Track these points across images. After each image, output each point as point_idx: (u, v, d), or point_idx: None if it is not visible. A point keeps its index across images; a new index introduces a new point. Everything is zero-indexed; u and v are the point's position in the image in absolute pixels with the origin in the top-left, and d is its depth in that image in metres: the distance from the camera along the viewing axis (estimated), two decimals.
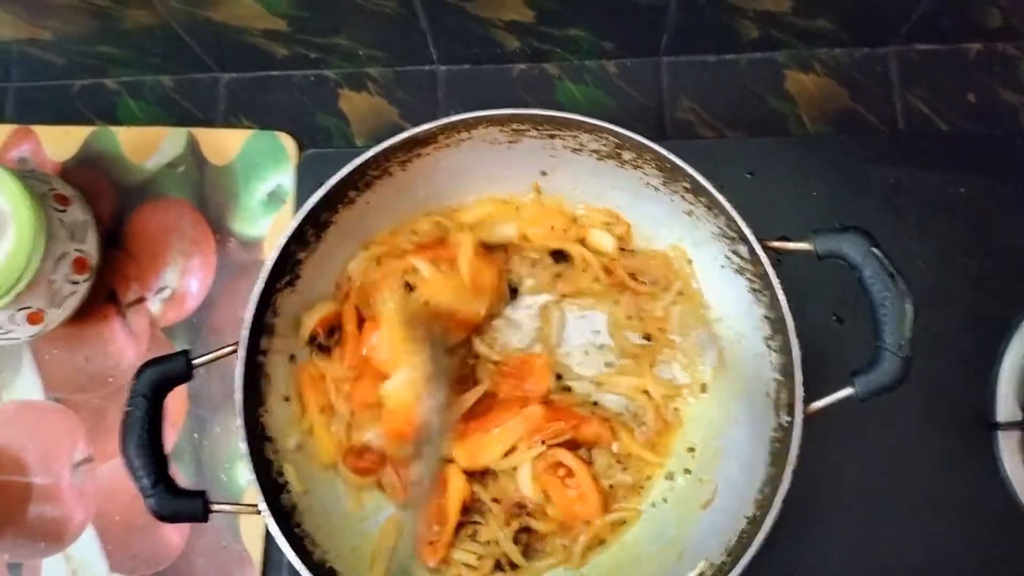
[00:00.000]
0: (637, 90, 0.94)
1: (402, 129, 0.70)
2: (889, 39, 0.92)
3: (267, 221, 0.93)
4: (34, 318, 0.84)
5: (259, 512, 0.65)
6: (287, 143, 0.94)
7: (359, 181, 0.72)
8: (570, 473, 0.76)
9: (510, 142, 0.73)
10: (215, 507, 0.66)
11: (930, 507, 0.79)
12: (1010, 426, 0.78)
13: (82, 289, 0.87)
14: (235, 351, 0.68)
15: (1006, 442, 0.79)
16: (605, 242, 0.78)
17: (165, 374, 0.66)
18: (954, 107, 0.91)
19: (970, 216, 0.84)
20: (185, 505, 0.65)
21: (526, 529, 0.77)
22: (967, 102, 0.91)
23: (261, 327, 0.70)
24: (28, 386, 0.91)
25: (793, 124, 0.92)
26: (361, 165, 0.69)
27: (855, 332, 0.77)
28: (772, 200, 0.77)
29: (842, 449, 0.80)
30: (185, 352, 0.67)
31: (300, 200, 0.92)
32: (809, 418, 0.63)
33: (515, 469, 0.76)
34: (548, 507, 0.76)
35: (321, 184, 0.69)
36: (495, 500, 0.76)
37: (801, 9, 0.86)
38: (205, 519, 0.66)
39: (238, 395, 0.67)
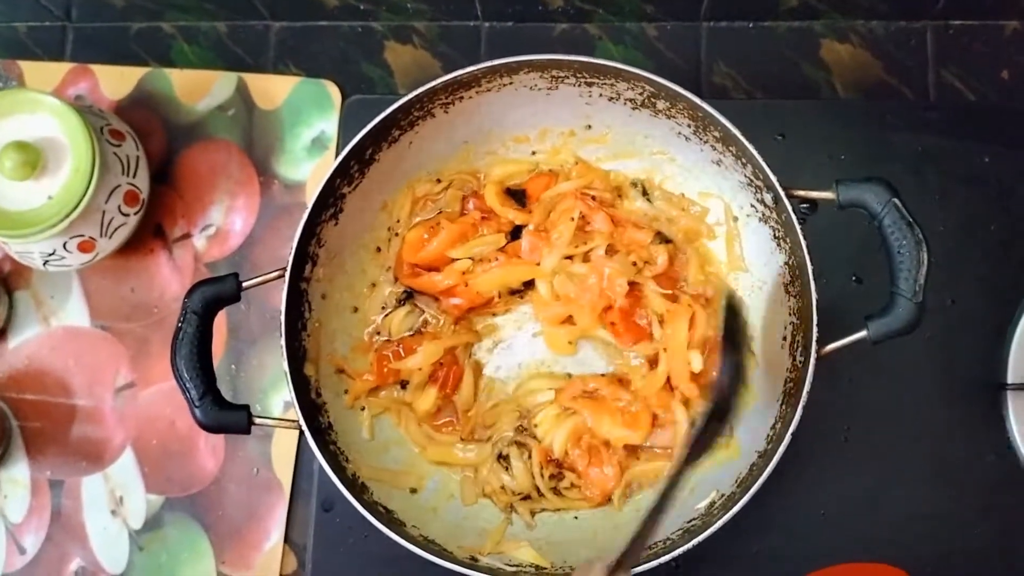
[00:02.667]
0: (675, 53, 0.96)
1: None
2: (926, 13, 0.94)
3: (310, 165, 0.96)
4: (85, 247, 0.88)
5: (297, 427, 0.69)
6: (332, 91, 0.98)
7: (403, 120, 0.75)
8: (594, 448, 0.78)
9: (549, 88, 0.76)
10: (258, 420, 0.69)
11: (935, 463, 0.82)
12: (1020, 387, 0.80)
13: (132, 222, 0.91)
14: (281, 276, 0.71)
15: (1015, 403, 0.81)
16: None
17: (216, 294, 0.70)
18: (987, 83, 0.92)
19: (992, 185, 0.86)
20: (230, 417, 0.69)
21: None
22: (1000, 78, 0.92)
23: (306, 255, 0.74)
24: (76, 313, 0.95)
25: (826, 92, 0.94)
26: (406, 104, 0.72)
27: (872, 291, 0.79)
28: (800, 161, 0.79)
29: (854, 403, 0.83)
30: (235, 275, 0.71)
31: (343, 144, 0.95)
32: (822, 359, 0.65)
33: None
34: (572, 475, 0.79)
35: (365, 127, 0.73)
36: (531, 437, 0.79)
37: None
38: (248, 431, 0.69)
39: (283, 316, 0.70)
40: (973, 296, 0.84)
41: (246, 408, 0.69)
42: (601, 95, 0.76)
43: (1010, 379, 0.81)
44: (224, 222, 0.96)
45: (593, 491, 0.76)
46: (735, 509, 0.65)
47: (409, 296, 0.83)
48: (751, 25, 0.96)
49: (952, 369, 0.83)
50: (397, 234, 0.82)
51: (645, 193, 0.81)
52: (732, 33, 0.96)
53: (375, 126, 0.72)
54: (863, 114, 0.89)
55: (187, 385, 0.68)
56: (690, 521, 0.71)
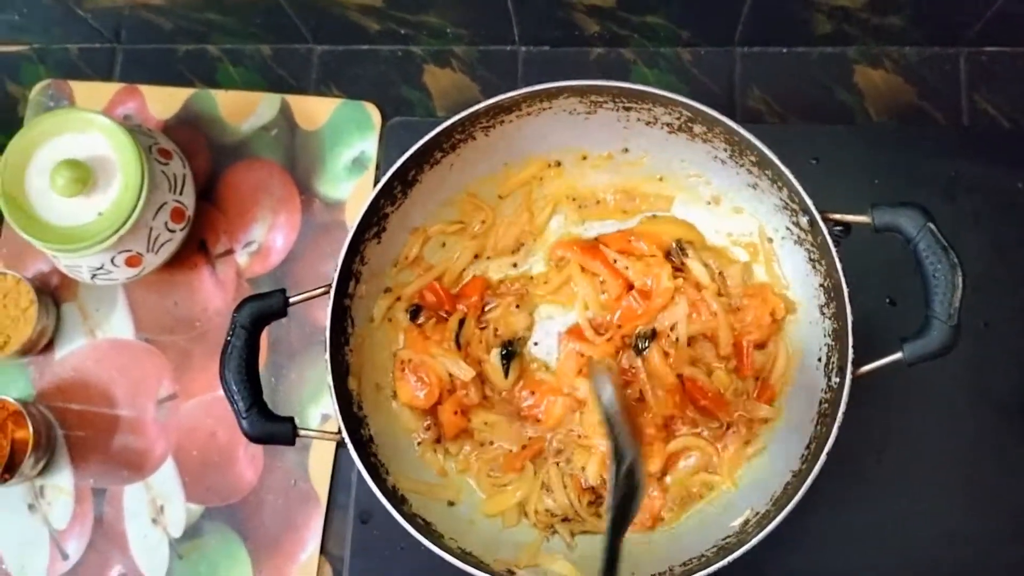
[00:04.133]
0: (709, 77, 0.98)
1: None
2: (959, 40, 0.95)
3: (349, 185, 0.99)
4: (132, 261, 0.91)
5: (341, 439, 0.71)
6: (373, 113, 1.00)
7: (445, 143, 0.77)
8: None
9: (587, 113, 0.78)
10: (302, 432, 0.71)
11: (967, 487, 0.82)
12: None
13: (178, 238, 0.94)
14: (327, 292, 0.73)
15: None
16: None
17: (263, 309, 0.72)
18: (1019, 109, 0.93)
19: None
20: (276, 428, 0.71)
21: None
22: None
23: (350, 272, 0.76)
24: (121, 325, 0.98)
25: (860, 117, 0.95)
26: (448, 127, 0.75)
27: (907, 314, 0.80)
28: (835, 185, 0.80)
29: (887, 425, 0.83)
30: (282, 290, 0.73)
31: (383, 164, 0.97)
32: (857, 380, 0.66)
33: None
34: None
35: (405, 149, 0.75)
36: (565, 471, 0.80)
37: (874, 5, 0.89)
38: (293, 442, 0.71)
39: (328, 332, 0.72)
40: (1006, 320, 0.84)
41: (291, 420, 0.71)
42: (639, 119, 0.78)
43: None
44: (266, 239, 0.98)
45: (643, 516, 0.77)
46: (770, 527, 0.66)
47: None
48: (785, 50, 0.98)
49: (985, 392, 0.84)
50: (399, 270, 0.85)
51: (683, 251, 0.82)
52: (766, 58, 0.98)
53: (419, 148, 0.74)
54: (897, 139, 0.90)
55: (235, 397, 0.70)
56: (725, 539, 0.72)
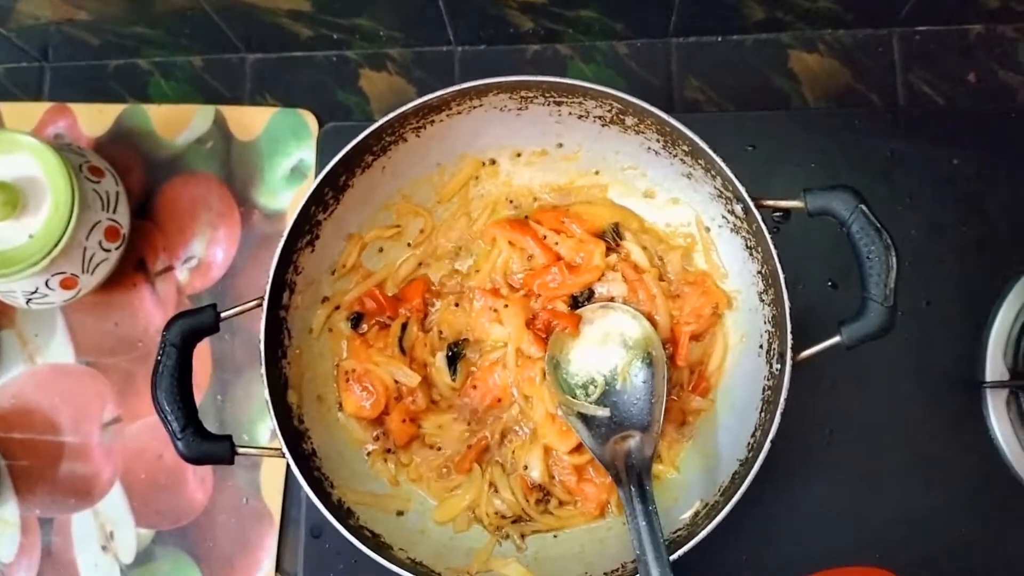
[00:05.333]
0: (646, 70, 0.98)
1: None
2: (891, 20, 0.95)
3: (289, 194, 0.97)
4: (68, 283, 0.89)
5: (281, 455, 0.69)
6: (309, 120, 0.99)
7: (375, 146, 0.76)
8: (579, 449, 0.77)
9: (519, 109, 0.77)
10: (241, 450, 0.70)
11: (918, 463, 0.82)
12: (997, 385, 0.81)
13: (113, 257, 0.91)
14: (259, 305, 0.72)
15: (993, 400, 0.82)
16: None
17: (194, 325, 0.70)
18: (954, 87, 0.94)
19: (962, 187, 0.87)
20: (212, 447, 0.69)
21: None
22: (967, 82, 0.94)
23: (283, 283, 0.74)
24: (60, 349, 0.96)
25: (797, 102, 0.95)
26: (377, 129, 0.73)
27: (848, 296, 0.80)
28: (772, 171, 0.80)
29: (835, 407, 0.83)
30: (213, 305, 0.72)
31: (319, 170, 0.96)
32: (800, 365, 0.66)
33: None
34: (559, 491, 0.79)
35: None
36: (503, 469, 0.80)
37: None
38: (231, 461, 0.70)
39: (262, 346, 0.71)
40: (947, 297, 0.84)
41: (229, 439, 0.70)
42: (571, 113, 0.77)
43: (988, 377, 0.82)
44: (206, 254, 0.96)
45: (588, 505, 0.77)
46: (719, 518, 0.65)
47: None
48: (719, 39, 0.98)
49: (930, 369, 0.84)
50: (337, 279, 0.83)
51: (618, 234, 0.81)
52: (701, 48, 0.98)
53: (347, 152, 0.73)
54: (832, 122, 0.90)
55: (168, 418, 0.68)
56: (676, 532, 0.72)
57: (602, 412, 0.75)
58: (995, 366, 0.81)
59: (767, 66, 0.97)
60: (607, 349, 0.77)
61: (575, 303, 0.79)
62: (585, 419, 0.75)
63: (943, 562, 0.80)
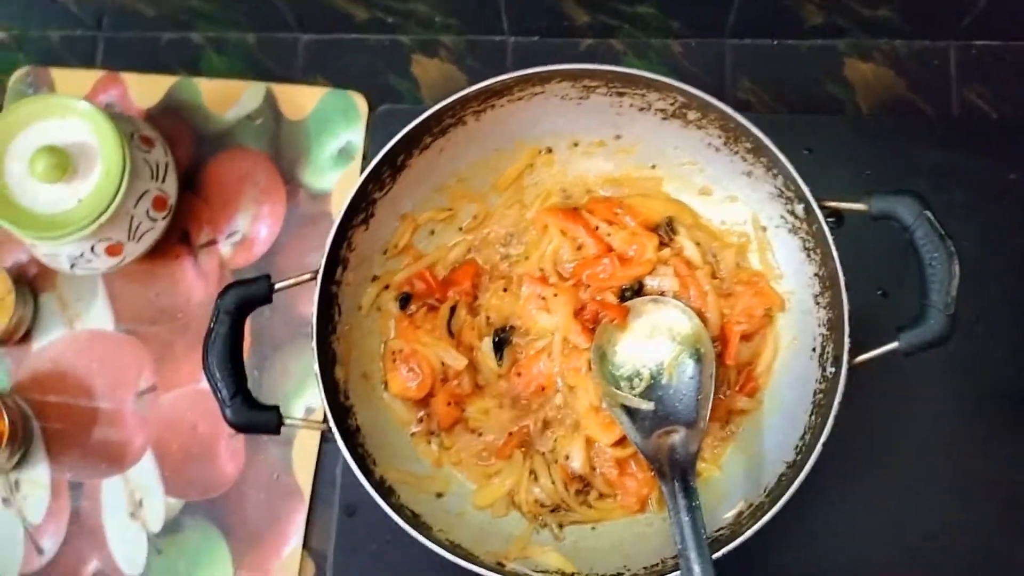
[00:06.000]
0: (700, 69, 0.97)
1: None
2: (949, 33, 0.95)
3: (335, 175, 0.97)
4: (113, 250, 0.89)
5: (327, 429, 0.69)
6: (359, 102, 0.99)
7: (435, 127, 0.76)
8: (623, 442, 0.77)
9: (580, 98, 0.77)
10: (288, 421, 0.70)
11: (961, 478, 0.82)
12: None
13: (159, 227, 0.92)
14: (313, 278, 0.72)
15: None
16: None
17: (248, 295, 0.71)
18: (1010, 102, 0.93)
19: (1017, 202, 0.86)
20: (260, 416, 0.69)
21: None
22: (1022, 98, 0.93)
23: (337, 259, 0.74)
24: (100, 316, 0.96)
25: (850, 110, 0.95)
26: (438, 111, 0.73)
27: (899, 305, 0.79)
28: (827, 175, 0.79)
29: (879, 417, 0.83)
30: (267, 276, 0.72)
31: (371, 153, 0.96)
32: (853, 370, 0.66)
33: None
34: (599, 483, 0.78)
35: (394, 137, 0.73)
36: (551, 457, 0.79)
37: None
38: (278, 431, 0.70)
39: (314, 319, 0.71)
40: (997, 312, 0.84)
41: (276, 409, 0.70)
42: (632, 105, 0.77)
43: None
44: (250, 230, 0.97)
45: (629, 499, 0.76)
46: (765, 519, 0.65)
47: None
48: (775, 43, 0.97)
49: (976, 384, 0.83)
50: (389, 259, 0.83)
51: (672, 228, 0.81)
52: (756, 50, 0.97)
53: (408, 132, 0.73)
54: (888, 131, 0.90)
55: (219, 384, 0.68)
56: (718, 530, 0.71)
57: (647, 405, 0.75)
58: None
59: (821, 72, 0.96)
60: (655, 343, 0.77)
61: (623, 296, 0.79)
62: (629, 412, 0.75)
63: None
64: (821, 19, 0.93)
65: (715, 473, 0.77)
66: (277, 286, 0.71)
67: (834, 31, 0.95)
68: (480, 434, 0.79)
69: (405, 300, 0.82)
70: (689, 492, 0.66)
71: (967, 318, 0.82)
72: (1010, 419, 0.82)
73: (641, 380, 0.76)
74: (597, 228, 0.81)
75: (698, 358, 0.75)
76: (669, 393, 0.75)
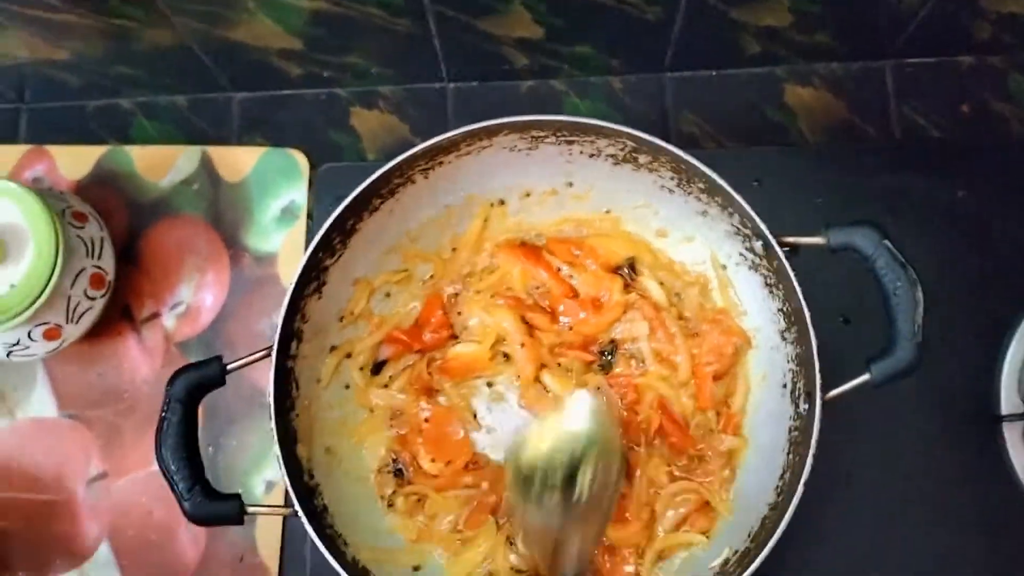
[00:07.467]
0: (641, 104, 0.97)
1: (413, 145, 0.71)
2: (885, 53, 0.96)
3: (280, 236, 0.94)
4: (51, 334, 0.85)
5: (294, 513, 0.66)
6: (300, 160, 0.96)
7: (383, 188, 0.74)
8: None
9: (529, 149, 0.76)
10: (250, 509, 0.66)
11: (938, 501, 0.81)
12: (1014, 418, 0.81)
13: (98, 305, 0.88)
14: (268, 355, 0.69)
15: (1010, 434, 0.81)
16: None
17: (200, 379, 0.67)
18: (948, 117, 0.94)
19: (968, 219, 0.87)
20: (221, 508, 0.66)
21: None
22: (960, 112, 0.95)
23: (291, 332, 0.71)
24: (42, 403, 0.92)
25: (793, 136, 0.95)
26: (386, 172, 0.71)
27: (861, 333, 0.79)
28: (779, 206, 0.79)
29: (852, 447, 0.82)
30: (219, 358, 0.68)
31: (316, 213, 0.93)
32: (825, 405, 0.65)
33: None
34: None
35: (338, 196, 0.71)
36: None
37: (800, 24, 0.89)
38: (241, 521, 0.66)
39: (271, 399, 0.68)
40: (959, 331, 0.84)
41: (238, 497, 0.66)
42: (582, 152, 0.76)
43: (1004, 410, 0.81)
44: (194, 299, 0.93)
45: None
46: (755, 564, 0.63)
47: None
48: (715, 73, 0.98)
49: (946, 405, 0.83)
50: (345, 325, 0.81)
51: (633, 269, 0.80)
52: (696, 82, 0.97)
53: (356, 196, 0.70)
54: (834, 157, 0.90)
55: (175, 478, 0.65)
56: None
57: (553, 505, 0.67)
58: (1010, 399, 0.81)
59: (762, 100, 0.96)
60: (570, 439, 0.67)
61: (603, 358, 0.78)
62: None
63: None
64: (759, 47, 0.94)
65: (727, 516, 0.75)
66: (230, 367, 0.68)
67: (772, 58, 0.96)
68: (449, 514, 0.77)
69: (378, 368, 0.80)
70: None
71: (931, 340, 0.82)
72: (980, 437, 0.82)
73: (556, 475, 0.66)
74: (559, 270, 0.79)
75: (607, 461, 0.67)
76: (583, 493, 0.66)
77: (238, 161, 0.97)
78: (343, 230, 0.73)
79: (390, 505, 0.78)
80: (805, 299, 0.68)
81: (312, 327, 0.75)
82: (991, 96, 0.95)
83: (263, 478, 0.88)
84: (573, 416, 0.66)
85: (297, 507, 0.66)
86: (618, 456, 0.67)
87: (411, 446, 0.78)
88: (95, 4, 0.82)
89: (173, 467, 0.65)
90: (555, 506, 0.65)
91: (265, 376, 0.69)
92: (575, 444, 0.65)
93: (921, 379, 0.79)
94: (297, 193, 0.95)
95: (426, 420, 0.78)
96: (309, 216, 0.94)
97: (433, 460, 0.78)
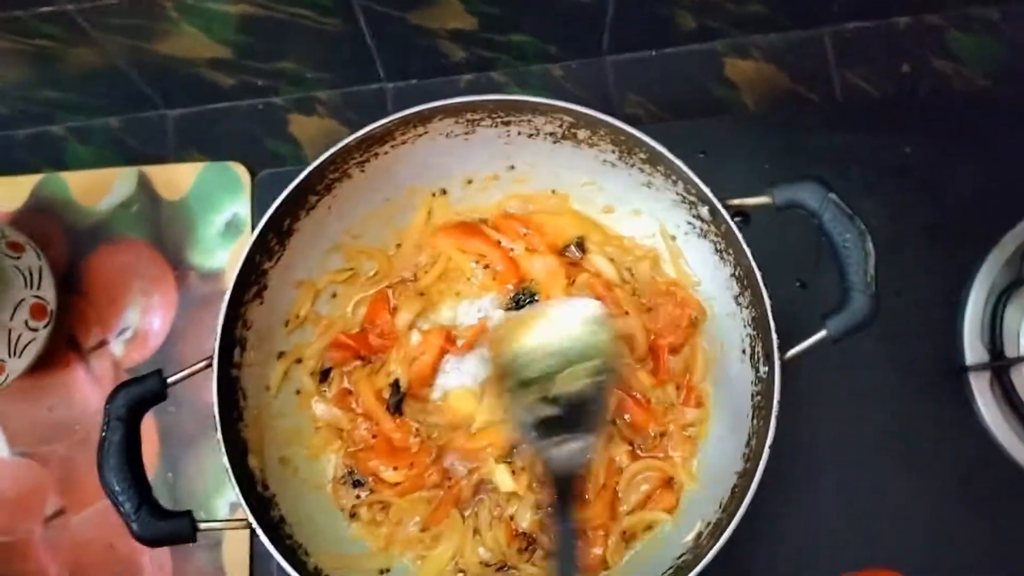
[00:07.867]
0: (584, 90, 0.96)
1: None
2: (821, 20, 0.95)
3: (225, 252, 0.92)
4: None
5: (247, 526, 0.64)
6: (240, 172, 0.94)
7: (318, 185, 0.72)
8: None
9: (466, 134, 0.74)
10: (203, 525, 0.64)
11: (911, 455, 0.81)
12: (979, 368, 0.80)
13: (41, 336, 0.85)
14: (209, 365, 0.66)
15: (977, 384, 0.81)
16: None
17: (140, 394, 0.65)
18: (890, 78, 0.94)
19: (917, 173, 0.87)
20: (172, 526, 0.63)
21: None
22: (902, 73, 0.94)
23: (233, 340, 0.69)
24: None
25: (737, 109, 0.94)
26: (320, 166, 0.69)
27: (819, 293, 0.78)
28: (727, 174, 0.78)
29: (818, 408, 0.81)
30: (158, 371, 0.66)
31: (258, 222, 0.91)
32: (786, 366, 0.64)
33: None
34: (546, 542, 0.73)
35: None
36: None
37: None
38: (193, 538, 0.64)
39: (216, 409, 0.66)
40: (917, 285, 0.83)
41: (188, 514, 0.64)
42: (520, 133, 0.74)
43: (968, 361, 0.81)
44: (141, 323, 0.91)
45: (585, 560, 0.72)
46: (725, 536, 0.62)
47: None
48: (654, 53, 0.97)
49: (910, 360, 0.82)
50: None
51: (582, 247, 0.78)
52: (636, 63, 0.96)
53: (290, 194, 0.69)
54: (778, 123, 0.89)
55: (120, 499, 0.62)
56: (680, 557, 0.68)
57: (553, 412, 0.66)
58: (974, 349, 0.80)
59: (704, 76, 0.96)
60: (563, 345, 0.67)
61: (518, 302, 0.77)
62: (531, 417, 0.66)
63: (949, 553, 0.78)
64: (695, 23, 0.93)
65: (692, 486, 0.73)
66: (170, 380, 0.66)
67: (710, 33, 0.95)
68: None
69: (325, 374, 0.77)
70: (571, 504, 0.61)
71: (887, 294, 0.81)
72: (947, 390, 0.82)
73: (551, 383, 0.66)
74: (500, 243, 0.77)
75: (605, 363, 0.67)
76: (575, 399, 0.66)
77: (177, 179, 0.94)
78: (279, 231, 0.71)
79: (352, 515, 0.75)
80: (759, 267, 0.67)
81: (256, 333, 0.72)
82: (930, 54, 0.95)
83: (226, 500, 0.86)
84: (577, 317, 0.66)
85: (251, 518, 0.64)
86: (614, 376, 0.67)
87: (364, 463, 0.76)
88: (11, 24, 0.80)
89: (117, 488, 0.62)
90: (533, 403, 0.65)
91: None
92: (571, 347, 0.65)
93: (883, 334, 0.79)
94: (240, 206, 0.93)
95: (373, 436, 0.75)
96: (253, 228, 0.92)
97: (396, 468, 0.75)
